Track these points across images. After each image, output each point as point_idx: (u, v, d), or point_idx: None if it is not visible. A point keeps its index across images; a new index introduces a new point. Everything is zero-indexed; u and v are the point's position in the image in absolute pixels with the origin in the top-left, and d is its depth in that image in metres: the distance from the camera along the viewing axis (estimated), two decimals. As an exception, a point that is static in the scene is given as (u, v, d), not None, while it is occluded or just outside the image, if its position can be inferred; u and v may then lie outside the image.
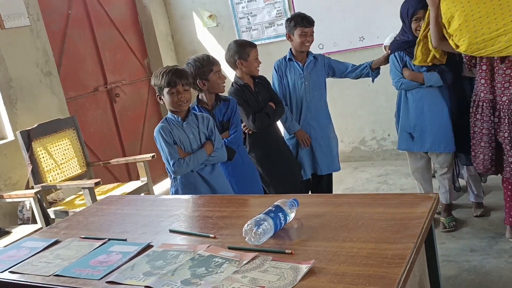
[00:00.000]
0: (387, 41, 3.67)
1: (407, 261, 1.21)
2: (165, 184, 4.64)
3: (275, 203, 1.57)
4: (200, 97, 2.69)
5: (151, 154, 3.47)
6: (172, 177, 2.36)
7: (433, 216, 1.50)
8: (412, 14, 2.72)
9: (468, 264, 2.53)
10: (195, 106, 2.67)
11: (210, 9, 4.86)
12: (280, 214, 1.53)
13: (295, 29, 3.04)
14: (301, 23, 3.02)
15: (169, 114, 2.34)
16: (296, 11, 4.24)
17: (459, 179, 3.28)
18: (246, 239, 1.48)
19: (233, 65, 2.94)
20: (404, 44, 2.84)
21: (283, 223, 1.54)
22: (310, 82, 3.10)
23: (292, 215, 1.58)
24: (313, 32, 3.08)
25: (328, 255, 1.32)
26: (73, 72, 4.11)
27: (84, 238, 1.76)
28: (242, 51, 2.89)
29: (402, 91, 2.96)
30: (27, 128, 3.28)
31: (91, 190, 3.03)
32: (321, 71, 3.13)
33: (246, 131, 2.93)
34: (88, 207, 2.21)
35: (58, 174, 3.40)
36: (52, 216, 3.23)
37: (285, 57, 3.18)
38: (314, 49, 4.22)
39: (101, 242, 1.69)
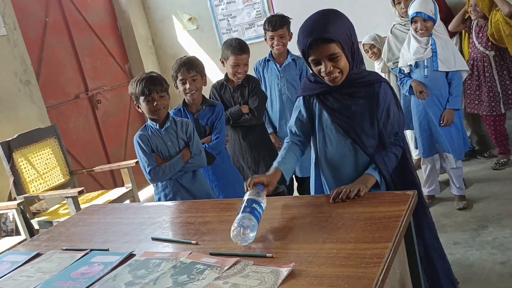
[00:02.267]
0: (366, 39, 3.70)
1: (385, 260, 1.23)
2: (151, 189, 4.61)
3: (245, 198, 1.59)
4: (186, 100, 2.67)
5: (135, 160, 3.43)
6: (155, 185, 2.35)
7: (411, 214, 1.52)
8: (303, 54, 1.71)
9: (452, 257, 2.56)
10: (181, 108, 2.66)
11: (189, 12, 4.84)
12: (254, 205, 1.55)
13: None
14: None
15: (149, 121, 2.34)
16: (275, 12, 4.26)
17: (440, 173, 3.35)
18: (238, 243, 1.49)
19: None
20: (317, 86, 1.79)
21: (261, 211, 1.56)
22: (286, 83, 3.10)
23: (264, 201, 1.59)
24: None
25: (308, 257, 1.33)
26: (53, 80, 4.07)
27: (66, 249, 1.74)
28: (224, 51, 2.88)
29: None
30: (7, 139, 3.24)
31: (74, 199, 3.01)
32: (297, 75, 3.13)
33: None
34: (70, 218, 2.19)
35: (40, 184, 3.37)
36: (36, 226, 3.19)
37: (265, 58, 3.19)
38: (296, 49, 4.23)
39: (83, 253, 1.68)
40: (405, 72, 3.09)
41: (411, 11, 2.90)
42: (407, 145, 1.87)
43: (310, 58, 1.69)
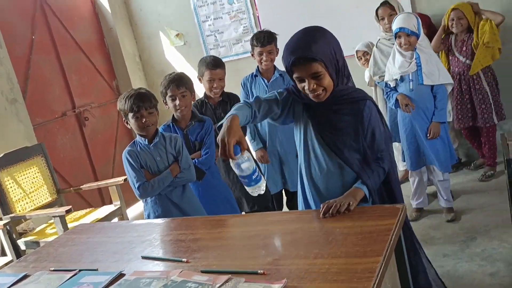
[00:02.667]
0: (360, 47, 3.75)
1: (376, 274, 1.23)
2: (139, 206, 4.58)
3: (239, 170, 1.62)
4: (176, 116, 2.68)
5: (123, 177, 3.41)
6: (144, 200, 2.34)
7: (401, 227, 1.53)
8: (287, 71, 1.74)
9: (442, 269, 2.57)
10: (170, 124, 2.66)
11: (177, 28, 4.87)
12: (254, 175, 1.63)
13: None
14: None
15: (138, 137, 2.34)
16: (262, 27, 4.30)
17: (428, 185, 3.37)
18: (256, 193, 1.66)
19: None
20: (305, 96, 1.75)
21: (258, 174, 1.64)
22: None
23: (249, 158, 1.62)
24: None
25: (300, 273, 1.33)
26: (40, 98, 4.04)
27: (54, 270, 1.72)
28: (200, 68, 2.93)
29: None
30: (-7, 158, 3.20)
31: (62, 218, 2.97)
32: None
33: None
34: (58, 238, 2.16)
35: (27, 203, 3.32)
36: (23, 247, 3.14)
37: (252, 74, 3.21)
38: (281, 64, 4.25)
39: (71, 273, 1.65)
40: (391, 86, 3.13)
41: (394, 26, 2.95)
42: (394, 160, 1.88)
43: (294, 76, 1.70)
